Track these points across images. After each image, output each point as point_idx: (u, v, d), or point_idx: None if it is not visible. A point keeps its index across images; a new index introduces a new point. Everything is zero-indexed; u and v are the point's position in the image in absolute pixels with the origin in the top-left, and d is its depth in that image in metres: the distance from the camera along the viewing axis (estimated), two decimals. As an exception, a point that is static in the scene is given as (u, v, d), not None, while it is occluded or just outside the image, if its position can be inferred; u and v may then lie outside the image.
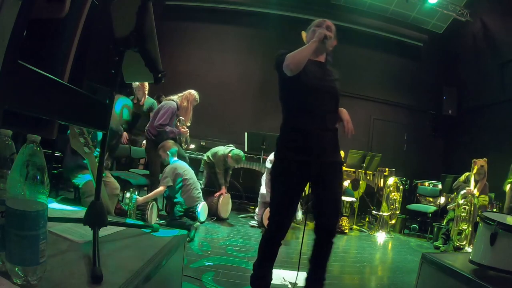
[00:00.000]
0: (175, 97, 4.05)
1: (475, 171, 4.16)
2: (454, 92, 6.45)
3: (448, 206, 4.45)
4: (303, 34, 1.96)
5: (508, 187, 3.84)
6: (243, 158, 4.40)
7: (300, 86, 1.76)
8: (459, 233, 3.87)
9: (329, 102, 1.80)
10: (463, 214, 3.92)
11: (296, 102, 1.80)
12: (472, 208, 3.88)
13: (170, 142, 3.70)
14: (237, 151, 4.37)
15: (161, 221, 3.70)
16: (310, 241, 1.86)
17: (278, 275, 2.51)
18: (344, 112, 1.83)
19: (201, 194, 3.73)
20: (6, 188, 0.71)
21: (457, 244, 3.83)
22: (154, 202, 3.38)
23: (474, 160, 4.22)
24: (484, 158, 4.20)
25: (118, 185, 2.87)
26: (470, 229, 3.79)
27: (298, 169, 1.75)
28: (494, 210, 4.09)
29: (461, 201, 3.98)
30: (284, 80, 1.80)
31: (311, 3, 6.40)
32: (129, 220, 1.62)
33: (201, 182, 4.36)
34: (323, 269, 1.80)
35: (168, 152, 3.57)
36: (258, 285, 1.86)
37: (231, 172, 4.71)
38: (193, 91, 4.13)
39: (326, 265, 1.81)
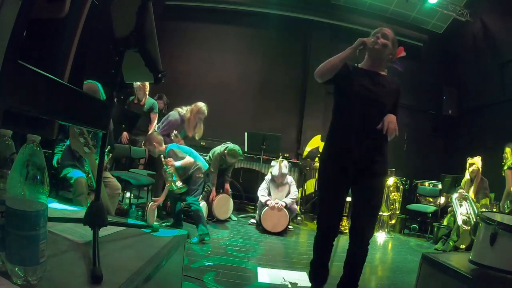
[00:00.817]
0: (183, 110, 4.06)
1: (468, 169, 4.19)
2: (454, 92, 6.44)
3: (449, 209, 4.44)
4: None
5: (509, 172, 3.80)
6: (240, 152, 4.32)
7: (346, 94, 1.81)
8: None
9: (374, 112, 1.77)
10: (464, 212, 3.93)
11: (341, 109, 1.85)
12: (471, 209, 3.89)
13: (155, 133, 3.66)
14: (232, 146, 4.31)
15: (162, 221, 3.71)
16: (309, 242, 1.88)
17: (278, 275, 2.51)
18: (388, 115, 1.76)
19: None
20: (6, 188, 0.71)
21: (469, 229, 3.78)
22: (152, 202, 3.38)
23: (469, 158, 4.24)
24: (478, 156, 4.21)
25: (119, 186, 2.87)
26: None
27: (338, 174, 1.82)
28: (494, 210, 4.09)
29: (455, 200, 4.01)
30: (333, 87, 1.85)
31: (311, 3, 6.40)
32: (129, 220, 1.62)
33: (208, 184, 4.30)
34: (357, 275, 1.87)
35: (155, 143, 3.42)
36: (316, 279, 1.96)
37: (231, 169, 4.66)
38: (199, 103, 4.09)
39: (360, 271, 1.87)
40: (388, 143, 1.82)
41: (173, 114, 4.08)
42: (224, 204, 4.32)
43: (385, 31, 1.87)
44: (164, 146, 3.46)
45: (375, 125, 1.75)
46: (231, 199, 4.42)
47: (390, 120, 1.73)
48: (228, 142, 4.48)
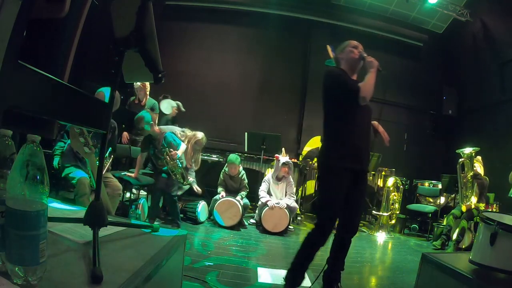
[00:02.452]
0: (182, 136, 3.92)
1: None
2: (454, 92, 6.44)
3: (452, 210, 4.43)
4: (329, 48, 2.18)
5: None
6: (236, 161, 4.14)
7: (355, 103, 1.96)
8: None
9: (368, 118, 2.10)
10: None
11: (350, 116, 2.01)
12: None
13: (149, 111, 3.66)
14: (229, 157, 4.21)
15: (162, 221, 3.70)
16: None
17: (278, 275, 2.51)
18: (377, 125, 2.16)
19: None
20: (6, 188, 0.71)
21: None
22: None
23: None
24: (478, 157, 4.19)
25: (120, 186, 2.87)
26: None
27: (346, 177, 1.97)
28: (494, 210, 4.09)
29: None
30: (339, 99, 2.02)
31: (311, 3, 6.40)
32: (131, 221, 1.62)
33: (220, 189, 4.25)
34: (343, 260, 2.13)
35: (152, 121, 3.44)
36: (295, 283, 2.04)
37: (245, 189, 4.25)
38: (199, 134, 3.97)
39: (345, 258, 2.13)
40: None
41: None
42: (226, 209, 3.94)
43: (361, 47, 2.10)
44: (157, 128, 3.49)
45: (369, 130, 2.10)
46: (240, 206, 3.94)
47: (383, 130, 2.13)
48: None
